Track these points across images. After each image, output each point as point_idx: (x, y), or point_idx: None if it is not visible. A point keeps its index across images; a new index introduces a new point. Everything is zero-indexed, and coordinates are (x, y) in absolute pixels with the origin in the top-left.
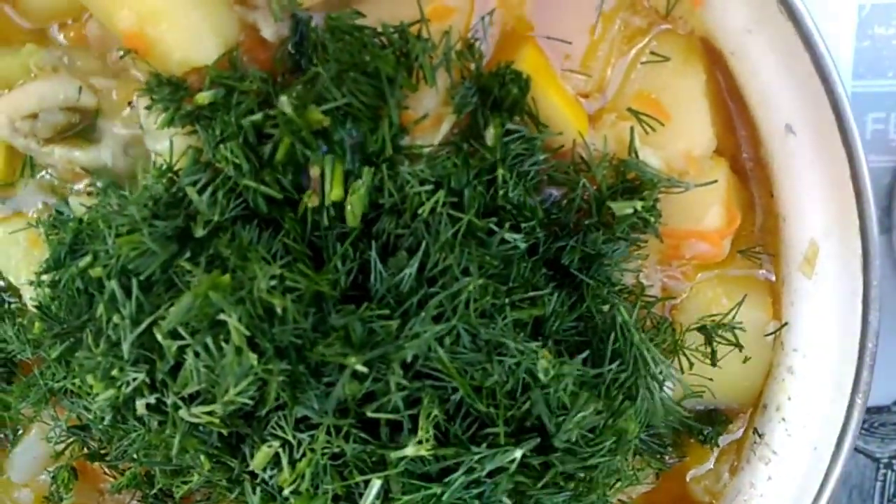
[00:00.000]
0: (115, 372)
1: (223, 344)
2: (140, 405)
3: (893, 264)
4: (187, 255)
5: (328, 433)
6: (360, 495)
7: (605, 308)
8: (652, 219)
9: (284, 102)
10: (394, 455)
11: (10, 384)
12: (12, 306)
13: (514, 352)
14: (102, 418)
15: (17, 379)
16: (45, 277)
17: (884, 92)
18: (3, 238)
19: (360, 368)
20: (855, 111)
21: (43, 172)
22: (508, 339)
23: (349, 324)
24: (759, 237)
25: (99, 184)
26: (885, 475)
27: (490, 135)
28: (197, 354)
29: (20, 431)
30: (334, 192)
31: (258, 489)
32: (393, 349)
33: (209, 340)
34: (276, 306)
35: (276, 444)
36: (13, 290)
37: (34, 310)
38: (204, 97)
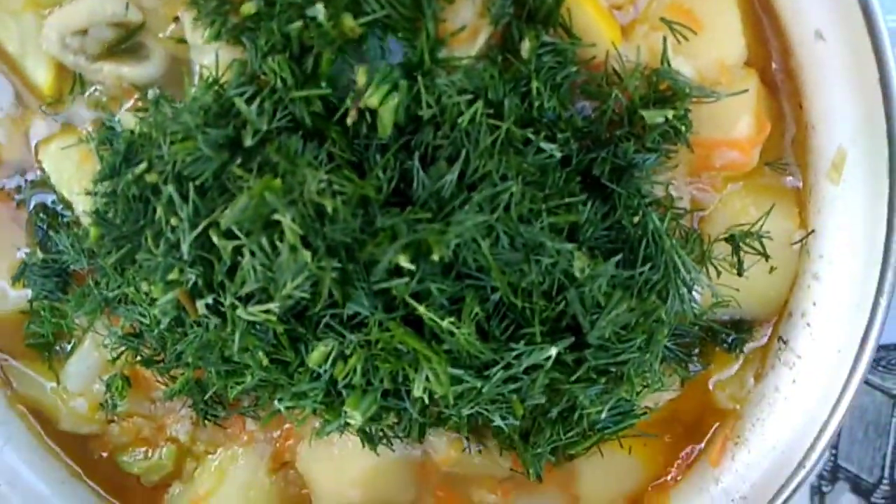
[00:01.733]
0: (173, 275)
1: (278, 243)
2: (200, 305)
3: None
4: (238, 161)
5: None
6: (408, 392)
7: (636, 219)
8: (683, 128)
9: (318, 10)
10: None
11: (66, 294)
12: (66, 219)
13: (551, 252)
14: (158, 322)
15: (72, 290)
16: (100, 187)
17: None
18: (55, 153)
19: (408, 266)
20: None
21: (92, 89)
22: (546, 239)
23: (395, 225)
24: (788, 149)
25: (149, 97)
26: None
27: (525, 47)
28: (252, 254)
29: (74, 343)
30: (371, 99)
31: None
32: (437, 234)
33: (264, 240)
34: (327, 207)
35: (332, 342)
36: (66, 204)
37: (89, 220)
38: (250, 6)
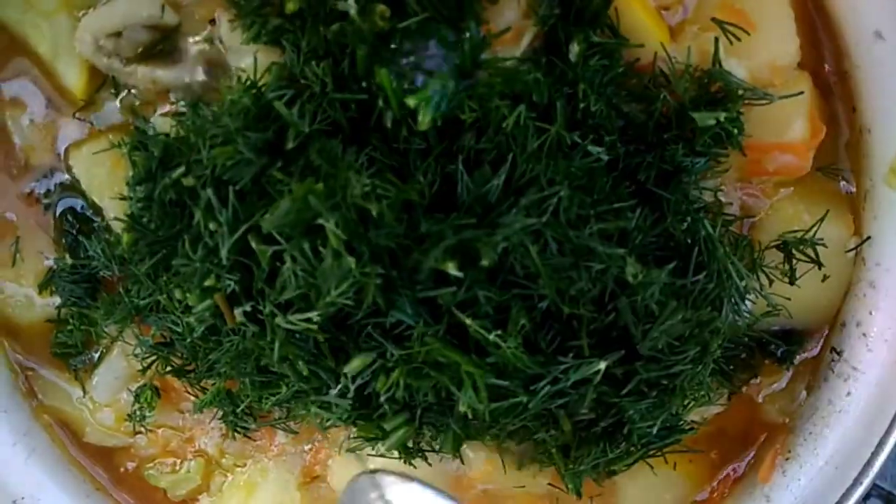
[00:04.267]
0: (210, 281)
1: (320, 249)
2: (238, 313)
3: None
4: (279, 165)
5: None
6: (451, 407)
7: (685, 226)
8: (735, 131)
9: (350, 4)
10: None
11: (95, 301)
12: (95, 225)
13: (602, 257)
14: (192, 331)
15: (101, 297)
16: (135, 191)
17: None
18: (86, 157)
19: (455, 273)
20: None
21: (125, 93)
22: (596, 244)
23: (441, 230)
24: (842, 154)
25: (183, 103)
26: None
27: (574, 51)
28: (294, 259)
29: (102, 352)
30: (409, 99)
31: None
32: (484, 236)
33: (306, 245)
34: (372, 210)
35: (372, 352)
36: (96, 209)
37: (119, 226)
38: (294, 4)
